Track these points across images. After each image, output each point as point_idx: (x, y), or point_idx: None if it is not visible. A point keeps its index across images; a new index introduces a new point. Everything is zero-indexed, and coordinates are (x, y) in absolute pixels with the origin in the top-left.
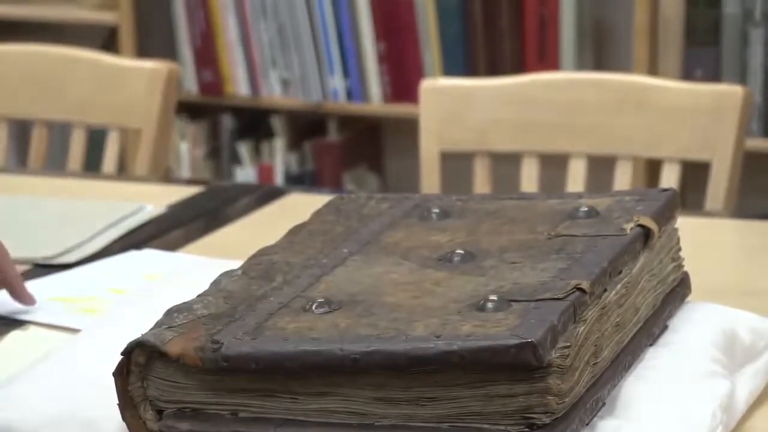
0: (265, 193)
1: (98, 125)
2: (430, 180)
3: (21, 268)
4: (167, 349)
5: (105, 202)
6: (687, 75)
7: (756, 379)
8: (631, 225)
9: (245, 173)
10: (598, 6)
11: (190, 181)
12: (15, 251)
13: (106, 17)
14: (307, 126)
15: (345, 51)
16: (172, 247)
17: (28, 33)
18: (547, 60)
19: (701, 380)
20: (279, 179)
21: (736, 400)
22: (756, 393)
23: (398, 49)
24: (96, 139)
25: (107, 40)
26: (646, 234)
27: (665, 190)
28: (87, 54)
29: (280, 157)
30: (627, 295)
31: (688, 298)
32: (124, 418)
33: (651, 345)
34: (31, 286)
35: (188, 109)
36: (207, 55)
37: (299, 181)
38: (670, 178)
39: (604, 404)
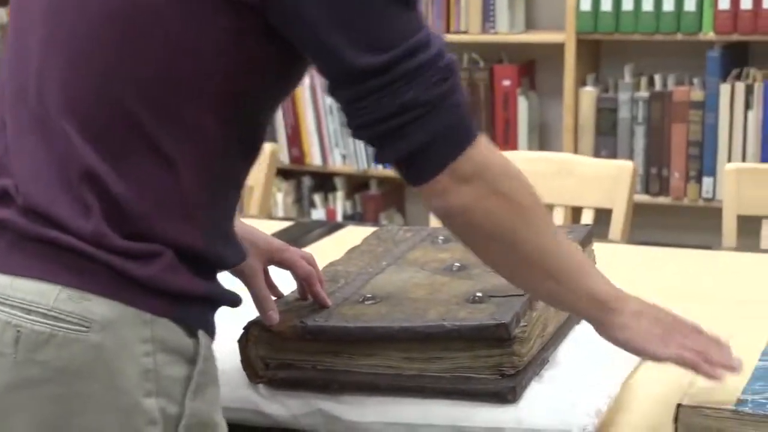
0: (331, 227)
1: None
2: (436, 219)
3: None
4: (272, 327)
5: None
6: (596, 154)
7: None
8: None
9: (318, 213)
10: (542, 112)
11: (283, 219)
12: None
13: None
14: (357, 184)
15: None
16: None
17: None
18: (509, 144)
19: (607, 345)
20: (339, 217)
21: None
22: None
23: None
24: None
25: None
26: None
27: (586, 225)
28: None
29: (340, 203)
30: None
31: None
32: (244, 368)
33: (577, 324)
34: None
35: (282, 173)
36: (295, 138)
37: (352, 218)
38: (587, 218)
39: (548, 361)
